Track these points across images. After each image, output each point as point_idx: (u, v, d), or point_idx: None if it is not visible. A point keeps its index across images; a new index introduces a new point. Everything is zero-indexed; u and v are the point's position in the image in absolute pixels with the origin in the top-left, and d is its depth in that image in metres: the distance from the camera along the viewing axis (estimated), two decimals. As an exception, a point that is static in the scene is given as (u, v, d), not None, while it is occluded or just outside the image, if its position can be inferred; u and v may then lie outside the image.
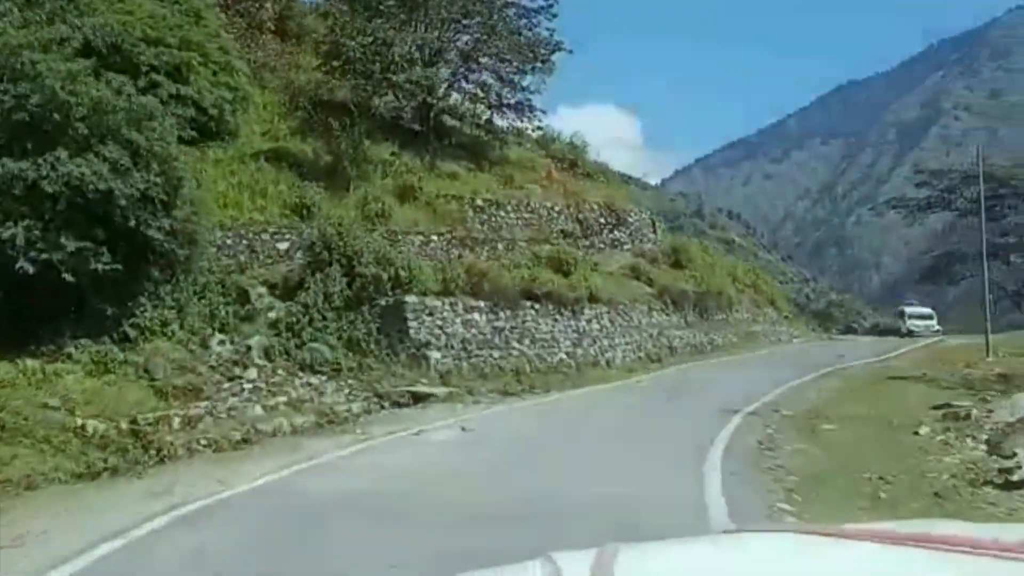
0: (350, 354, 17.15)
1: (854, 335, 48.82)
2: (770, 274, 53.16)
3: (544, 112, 29.99)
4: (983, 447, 10.39)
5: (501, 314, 20.21)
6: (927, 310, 45.96)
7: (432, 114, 28.73)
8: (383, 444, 12.09)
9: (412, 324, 18.17)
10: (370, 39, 25.17)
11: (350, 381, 16.41)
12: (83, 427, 10.85)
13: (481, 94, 29.51)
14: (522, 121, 29.78)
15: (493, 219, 26.05)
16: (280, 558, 6.49)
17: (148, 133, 14.64)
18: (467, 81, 29.51)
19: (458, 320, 19.19)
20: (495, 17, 28.23)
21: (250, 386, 14.94)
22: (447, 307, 19.09)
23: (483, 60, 28.94)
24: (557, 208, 28.35)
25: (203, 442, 11.67)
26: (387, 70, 25.65)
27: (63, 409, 11.17)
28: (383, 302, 18.24)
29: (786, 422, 13.23)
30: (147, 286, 15.05)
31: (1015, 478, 8.43)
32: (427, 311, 18.59)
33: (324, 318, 17.48)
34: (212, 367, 15.27)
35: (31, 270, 12.28)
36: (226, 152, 22.03)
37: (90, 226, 13.05)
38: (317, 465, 10.45)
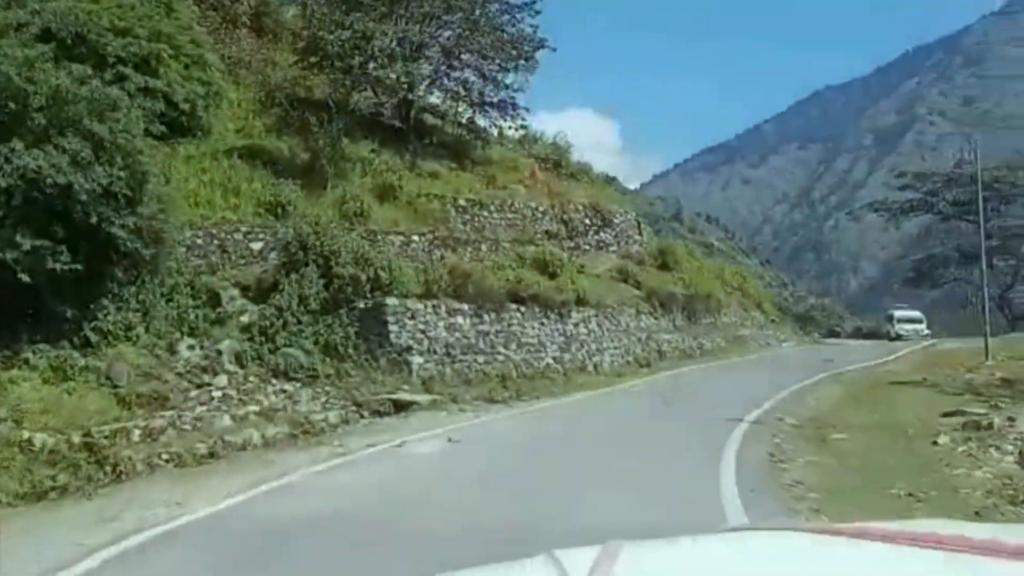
0: (327, 359, 16.33)
1: (837, 338, 48.39)
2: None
3: (528, 110, 29.17)
4: (1010, 459, 9.66)
5: (486, 317, 19.40)
6: (916, 313, 45.53)
7: (413, 112, 27.92)
8: (362, 458, 11.11)
9: (393, 328, 17.32)
10: (349, 32, 24.29)
11: (327, 388, 15.52)
12: (30, 441, 9.85)
13: (463, 92, 28.69)
14: (505, 119, 28.98)
15: (476, 219, 25.28)
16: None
17: (111, 124, 14.09)
18: (449, 79, 28.70)
19: (441, 323, 18.34)
20: (478, 13, 27.50)
21: (219, 394, 14.09)
22: (429, 310, 18.25)
23: (465, 57, 28.15)
24: (541, 208, 27.63)
25: (165, 456, 10.69)
26: (367, 64, 24.79)
27: (9, 420, 10.16)
28: (362, 305, 17.41)
29: (793, 431, 12.47)
30: (110, 287, 14.38)
31: (1058, 495, 7.68)
32: (408, 314, 17.75)
33: (299, 321, 16.66)
34: (179, 374, 14.51)
35: (-17, 270, 11.45)
36: (198, 149, 21.23)
37: (48, 223, 12.40)
38: (289, 484, 9.45)
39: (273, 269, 17.95)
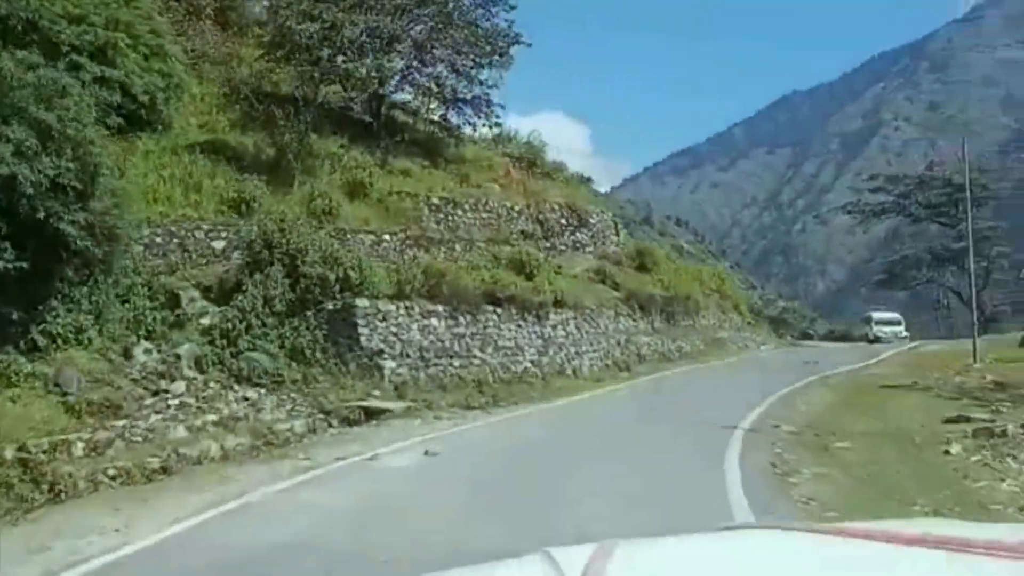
0: (293, 364, 15.47)
1: (811, 341, 48.12)
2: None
3: (503, 107, 28.35)
4: (1033, 469, 8.97)
5: (461, 319, 18.56)
6: (894, 315, 45.27)
7: (384, 108, 27.05)
8: (330, 473, 10.12)
9: (363, 330, 16.44)
10: (317, 25, 23.37)
11: (293, 395, 14.60)
12: (-44, 456, 8.82)
13: (435, 88, 27.81)
14: (479, 116, 28.12)
15: (450, 218, 24.50)
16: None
17: (60, 112, 13.48)
18: (421, 74, 27.80)
19: (414, 326, 17.47)
20: (451, 6, 26.75)
21: (176, 402, 13.18)
22: (402, 311, 17.38)
23: (438, 52, 27.27)
24: (517, 208, 26.89)
25: (111, 472, 9.66)
26: (336, 57, 23.90)
27: (-65, 433, 9.14)
28: (330, 306, 16.52)
29: (791, 439, 11.74)
30: (60, 287, 13.57)
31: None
32: (380, 316, 16.86)
33: (264, 324, 15.79)
34: (135, 380, 13.67)
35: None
36: (158, 143, 20.46)
37: (-11, 217, 11.66)
38: (247, 505, 8.42)
39: (236, 269, 17.20)
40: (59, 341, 13.10)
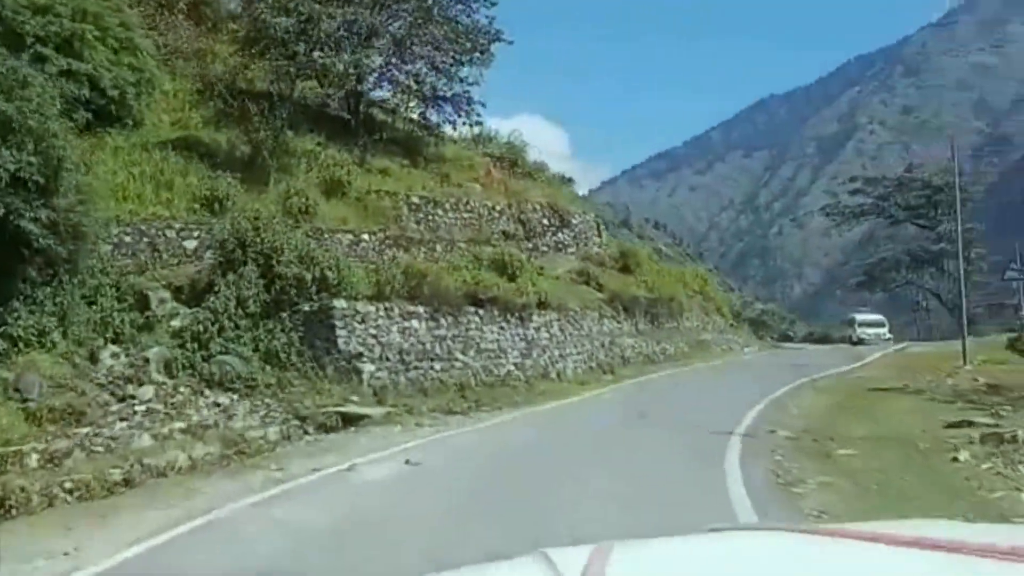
0: (267, 368, 14.82)
1: (792, 343, 47.94)
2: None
3: (484, 105, 27.73)
4: (1047, 478, 8.52)
5: (442, 321, 17.97)
6: (878, 317, 45.14)
7: (362, 105, 26.40)
8: (305, 486, 9.48)
9: (341, 333, 15.83)
10: (293, 19, 22.72)
11: (267, 400, 13.95)
12: None
13: (415, 86, 27.15)
14: (460, 115, 27.51)
15: (430, 218, 23.94)
16: None
17: (21, 104, 12.83)
18: (400, 71, 27.15)
19: (394, 328, 16.86)
20: (431, 1, 26.06)
21: (144, 408, 12.51)
22: (381, 313, 16.77)
23: (417, 48, 26.62)
24: (498, 208, 26.37)
25: (68, 486, 8.98)
26: (313, 51, 23.24)
27: None
28: (307, 307, 15.88)
29: (790, 445, 11.25)
30: (21, 288, 13.09)
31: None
32: (358, 317, 16.25)
33: (237, 326, 15.14)
34: (100, 384, 13.06)
35: None
36: (128, 140, 19.89)
37: (-56, 213, 11.11)
38: (214, 522, 7.76)
39: (208, 269, 16.59)
40: (20, 344, 12.55)
